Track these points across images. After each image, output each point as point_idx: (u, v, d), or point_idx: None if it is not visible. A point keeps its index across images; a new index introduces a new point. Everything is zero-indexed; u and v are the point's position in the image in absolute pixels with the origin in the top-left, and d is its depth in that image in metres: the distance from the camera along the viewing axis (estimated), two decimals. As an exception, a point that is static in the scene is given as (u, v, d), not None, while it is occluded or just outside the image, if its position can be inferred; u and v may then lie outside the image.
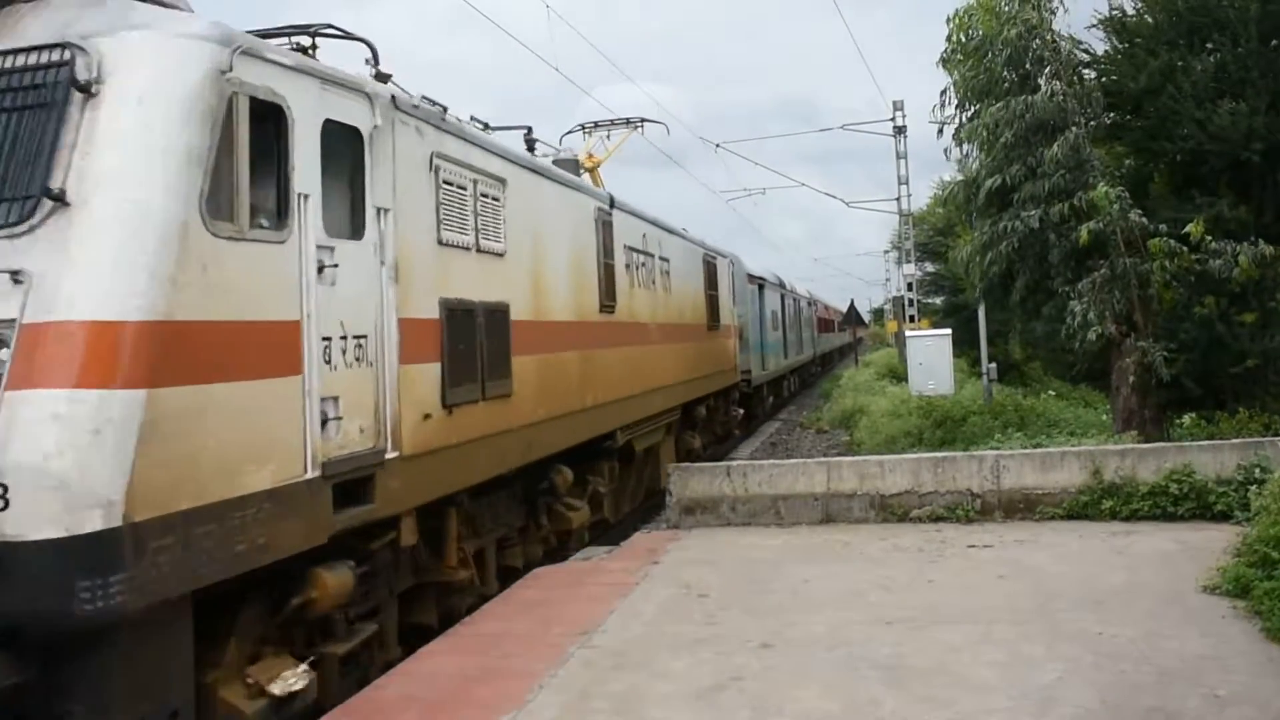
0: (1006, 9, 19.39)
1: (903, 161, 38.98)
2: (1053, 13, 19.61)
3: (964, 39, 20.15)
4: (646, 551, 12.92)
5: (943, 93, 21.06)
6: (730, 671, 8.17)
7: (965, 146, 21.00)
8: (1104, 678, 7.59)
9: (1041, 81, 19.03)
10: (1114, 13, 21.15)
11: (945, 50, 20.58)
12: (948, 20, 20.37)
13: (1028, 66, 19.38)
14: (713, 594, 10.64)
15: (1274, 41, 18.93)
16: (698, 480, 14.50)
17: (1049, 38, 19.48)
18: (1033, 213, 18.46)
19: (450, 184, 10.45)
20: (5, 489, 5.91)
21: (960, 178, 22.18)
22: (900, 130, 38.75)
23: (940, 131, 21.54)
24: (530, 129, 14.95)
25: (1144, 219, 17.84)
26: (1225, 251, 17.04)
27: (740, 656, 8.55)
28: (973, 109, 20.51)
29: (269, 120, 7.54)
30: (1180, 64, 19.27)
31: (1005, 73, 19.54)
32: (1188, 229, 17.00)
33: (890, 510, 13.87)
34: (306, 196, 7.84)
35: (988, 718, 6.99)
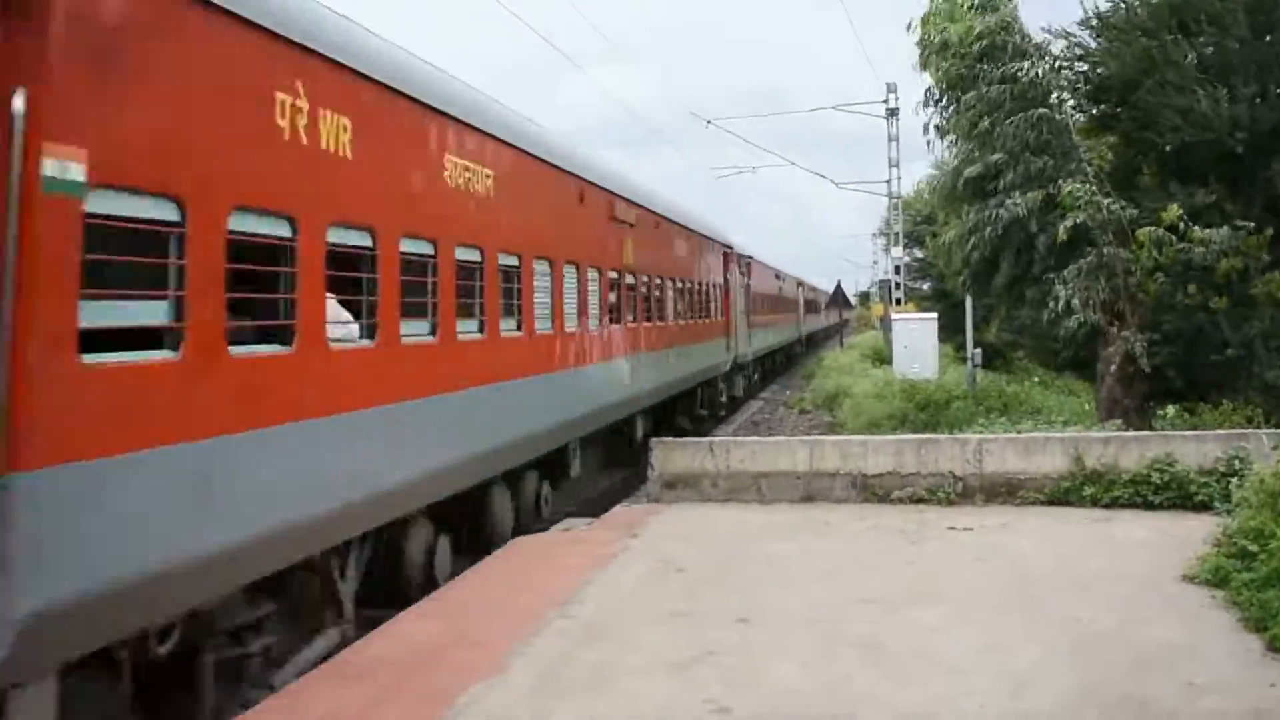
0: (967, 13, 19.60)
1: (894, 144, 38.92)
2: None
3: (932, 38, 20.23)
4: (626, 524, 12.89)
5: (927, 91, 21.15)
6: (706, 645, 8.14)
7: (946, 139, 21.13)
8: (1081, 662, 7.58)
9: (1021, 73, 19.02)
10: (1095, 12, 21.25)
11: (921, 55, 20.69)
12: (908, 28, 20.57)
13: (1007, 60, 19.38)
14: (691, 568, 10.61)
15: (1268, 37, 18.85)
16: (680, 455, 14.46)
17: (1021, 33, 19.60)
18: (1017, 200, 18.49)
19: None
20: None
21: (944, 168, 22.31)
22: (893, 113, 38.64)
23: (926, 133, 21.64)
24: None
25: (1129, 209, 17.85)
26: (1210, 240, 17.04)
27: (716, 631, 8.52)
28: (952, 103, 20.57)
29: None
30: (1161, 53, 19.16)
31: (982, 66, 19.55)
32: (1163, 215, 17.02)
33: (872, 490, 13.84)
34: None
35: (964, 699, 6.97)
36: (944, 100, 20.72)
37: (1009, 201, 18.63)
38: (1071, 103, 19.17)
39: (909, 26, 20.55)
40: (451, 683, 7.39)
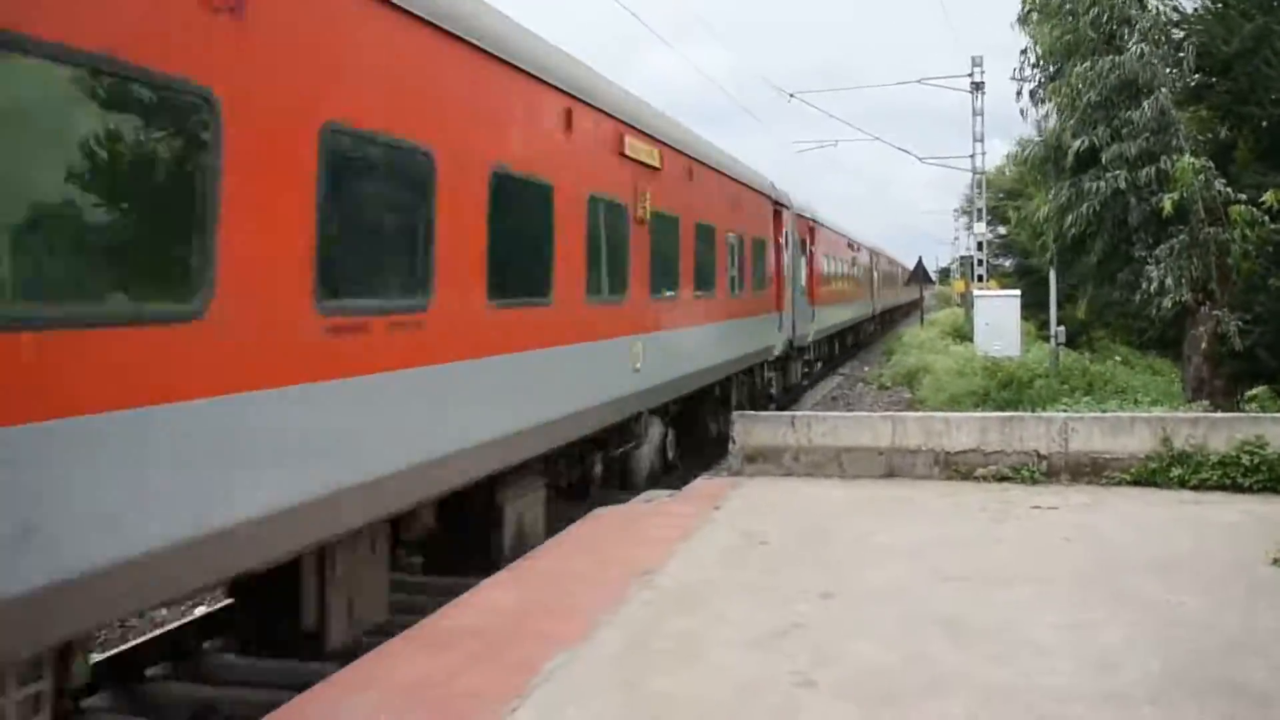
0: None
1: (979, 119, 38.52)
2: None
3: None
4: (708, 497, 12.94)
5: (1023, 52, 20.79)
6: (790, 619, 8.18)
7: (1044, 106, 20.75)
8: (1168, 645, 7.52)
9: (1130, 43, 18.65)
10: None
11: (1021, 11, 20.34)
12: None
13: (1114, 26, 19.00)
14: (774, 542, 10.65)
15: None
16: (761, 429, 14.48)
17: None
18: (1119, 173, 18.15)
19: None
20: None
21: (1037, 137, 21.92)
22: (978, 87, 38.25)
23: (1019, 93, 21.30)
24: None
25: (1228, 189, 17.52)
26: None
27: (800, 605, 8.56)
28: (1053, 68, 20.21)
29: None
30: (1276, 28, 18.82)
31: (1090, 32, 19.18)
32: (1265, 198, 16.69)
33: (954, 468, 13.78)
34: None
35: (1049, 678, 6.95)
36: (1043, 65, 20.38)
37: (1108, 175, 18.31)
38: (1170, 76, 18.74)
39: None
40: (536, 651, 7.49)
